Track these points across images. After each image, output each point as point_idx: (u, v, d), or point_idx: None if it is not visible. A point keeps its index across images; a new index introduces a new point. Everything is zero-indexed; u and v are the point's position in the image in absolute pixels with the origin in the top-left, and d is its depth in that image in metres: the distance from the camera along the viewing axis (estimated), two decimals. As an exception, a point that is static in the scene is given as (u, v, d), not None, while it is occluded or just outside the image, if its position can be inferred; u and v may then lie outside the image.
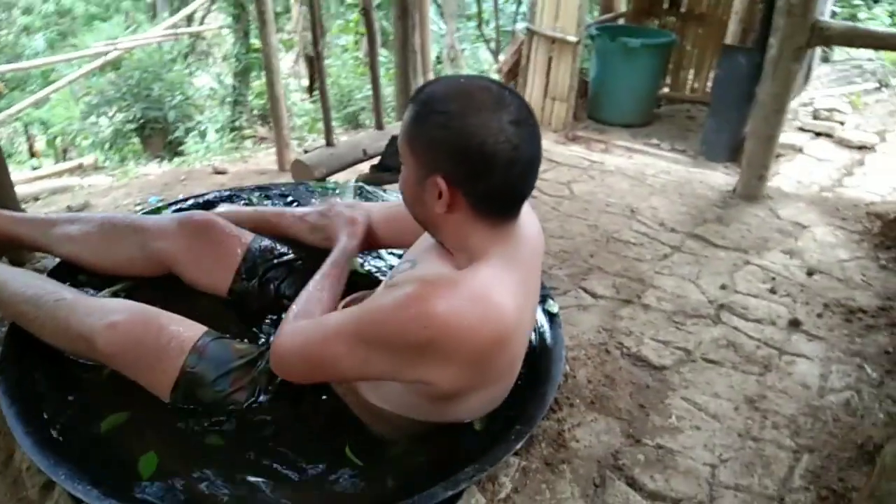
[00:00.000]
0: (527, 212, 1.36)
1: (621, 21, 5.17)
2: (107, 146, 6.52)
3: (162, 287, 1.65)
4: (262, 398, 1.41)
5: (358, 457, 1.34)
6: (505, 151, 1.13)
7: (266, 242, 1.70)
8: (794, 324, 1.94)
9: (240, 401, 1.39)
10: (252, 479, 1.30)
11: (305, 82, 8.04)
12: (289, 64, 8.18)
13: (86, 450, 1.31)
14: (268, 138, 6.14)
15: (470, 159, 1.14)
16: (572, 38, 4.11)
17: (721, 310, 1.99)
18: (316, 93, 6.59)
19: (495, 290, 1.19)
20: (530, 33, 4.40)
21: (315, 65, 7.50)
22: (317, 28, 2.61)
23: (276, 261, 1.68)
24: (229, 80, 6.87)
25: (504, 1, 5.56)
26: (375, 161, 2.80)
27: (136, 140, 6.50)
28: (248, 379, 1.40)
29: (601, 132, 4.48)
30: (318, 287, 1.44)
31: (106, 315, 1.35)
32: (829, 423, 1.61)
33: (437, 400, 1.30)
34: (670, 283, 2.10)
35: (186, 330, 1.39)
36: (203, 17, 8.14)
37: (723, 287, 2.09)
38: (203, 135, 6.31)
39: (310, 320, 1.32)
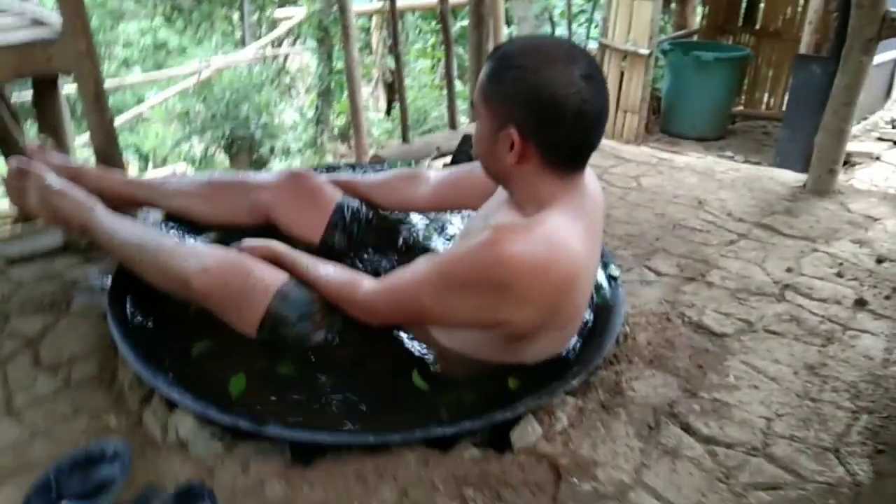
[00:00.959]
0: (589, 172, 1.46)
1: (695, 38, 5.21)
2: (196, 163, 6.93)
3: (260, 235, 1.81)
4: (338, 338, 1.54)
5: (425, 382, 1.45)
6: (575, 103, 1.24)
7: (355, 202, 1.85)
8: (860, 303, 1.94)
9: (318, 340, 1.52)
10: (327, 402, 1.42)
11: (383, 105, 8.34)
12: (368, 90, 8.51)
13: (180, 370, 1.46)
14: (347, 155, 6.41)
15: (541, 110, 1.25)
16: (644, 51, 4.19)
17: (786, 289, 2.01)
18: (393, 111, 6.84)
19: (564, 233, 1.29)
20: (602, 47, 4.50)
21: (393, 87, 7.79)
22: (396, 27, 2.79)
23: (362, 217, 1.83)
24: (311, 113, 7.22)
25: (577, 14, 5.68)
26: (448, 159, 2.94)
27: (223, 157, 6.88)
28: (326, 321, 1.53)
29: (674, 144, 4.51)
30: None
31: (200, 260, 1.51)
32: (891, 390, 1.61)
33: (509, 340, 1.40)
34: (735, 265, 2.14)
35: (271, 274, 1.54)
36: (290, 40, 8.56)
37: (788, 270, 2.11)
38: (287, 153, 6.63)
39: (388, 276, 1.44)
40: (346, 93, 6.98)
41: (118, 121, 6.51)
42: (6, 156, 1.90)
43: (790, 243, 2.29)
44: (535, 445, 1.37)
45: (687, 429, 1.46)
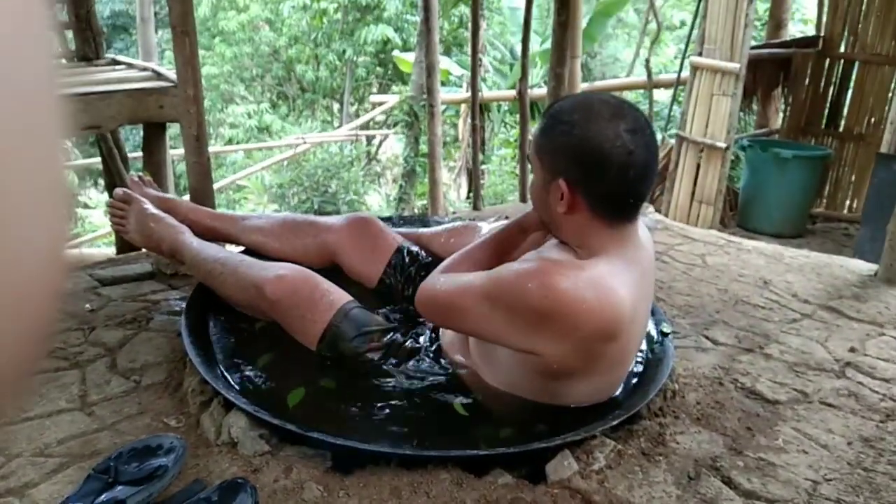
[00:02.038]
0: (642, 227, 1.52)
1: (775, 137, 5.23)
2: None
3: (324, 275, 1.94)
4: (391, 362, 1.61)
5: (465, 411, 1.49)
6: (620, 155, 1.32)
7: (415, 247, 1.96)
8: (928, 386, 1.87)
9: (372, 360, 1.60)
10: (371, 418, 1.49)
11: (464, 193, 8.59)
12: (451, 176, 8.82)
13: (240, 378, 1.56)
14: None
15: (588, 162, 1.33)
16: (721, 144, 4.24)
17: (847, 367, 1.96)
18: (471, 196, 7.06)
19: (612, 280, 1.34)
20: (679, 139, 4.58)
21: (473, 177, 8.04)
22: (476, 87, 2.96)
23: (420, 262, 1.93)
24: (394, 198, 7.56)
25: (658, 110, 5.81)
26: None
27: (309, 229, 7.21)
28: (381, 343, 1.62)
29: (749, 239, 4.47)
30: (478, 247, 1.62)
31: (276, 270, 1.65)
32: (954, 471, 1.54)
33: (547, 378, 1.44)
34: (796, 341, 2.11)
35: (336, 292, 1.65)
36: (382, 125, 9.02)
37: (852, 350, 2.06)
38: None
39: (453, 274, 1.53)
40: (427, 175, 7.30)
41: (216, 186, 6.99)
42: (113, 189, 2.11)
43: (856, 326, 2.24)
44: (569, 480, 1.38)
45: (728, 482, 1.43)
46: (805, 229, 4.72)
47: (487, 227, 1.92)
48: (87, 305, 2.05)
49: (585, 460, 1.43)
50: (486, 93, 6.37)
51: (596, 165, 1.31)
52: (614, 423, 1.43)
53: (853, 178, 4.99)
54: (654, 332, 1.81)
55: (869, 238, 3.84)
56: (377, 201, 8.83)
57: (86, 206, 8.84)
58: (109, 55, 2.96)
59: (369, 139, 8.16)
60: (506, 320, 1.37)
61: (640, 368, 1.70)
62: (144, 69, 2.64)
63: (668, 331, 1.82)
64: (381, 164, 11.00)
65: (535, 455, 1.37)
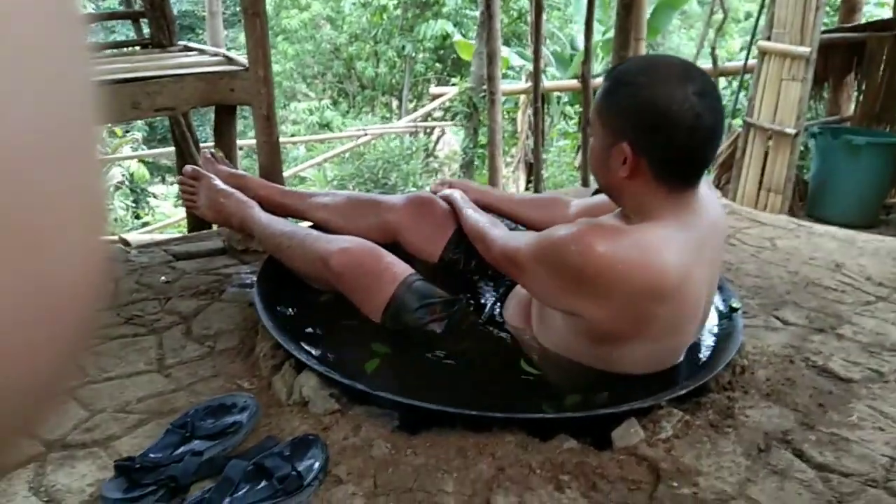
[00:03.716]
0: (710, 193, 1.50)
1: (847, 124, 5.05)
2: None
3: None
4: (454, 331, 1.64)
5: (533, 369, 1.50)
6: (688, 119, 1.30)
7: None
8: None
9: (435, 330, 1.62)
10: (438, 383, 1.51)
11: (523, 185, 8.56)
12: (509, 170, 8.80)
13: (312, 345, 1.60)
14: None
15: (654, 125, 1.32)
16: (790, 131, 4.13)
17: (925, 349, 1.89)
18: (530, 186, 7.03)
19: (659, 245, 1.33)
20: (747, 126, 4.47)
21: (535, 162, 8.00)
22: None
23: None
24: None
25: (730, 96, 5.67)
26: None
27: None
28: (444, 314, 1.64)
29: (819, 227, 4.33)
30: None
31: (340, 243, 1.69)
32: None
33: (598, 342, 1.45)
34: (871, 322, 2.04)
35: (399, 265, 1.68)
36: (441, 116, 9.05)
37: (931, 333, 1.99)
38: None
39: (514, 233, 1.61)
40: (486, 167, 7.30)
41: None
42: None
43: (936, 310, 2.15)
44: (636, 447, 1.37)
45: (800, 455, 1.40)
46: (878, 219, 4.54)
47: (577, 202, 1.92)
48: (163, 278, 2.13)
49: (652, 429, 1.41)
50: (546, 82, 6.33)
51: (662, 128, 1.30)
52: (681, 392, 1.42)
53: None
54: (722, 308, 1.78)
55: (949, 227, 3.68)
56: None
57: (154, 196, 9.14)
58: (182, 42, 3.07)
59: (428, 132, 8.21)
60: (550, 281, 1.40)
61: (708, 342, 1.68)
62: (216, 54, 2.73)
63: (738, 306, 1.79)
64: (437, 160, 11.08)
65: (601, 421, 1.37)
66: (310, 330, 1.70)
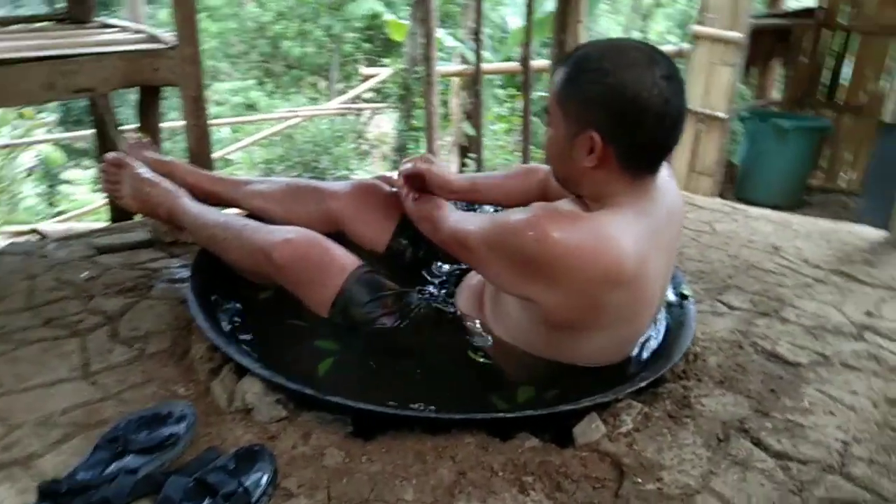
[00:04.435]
0: (668, 178, 1.46)
1: (774, 108, 5.19)
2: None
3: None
4: (404, 325, 1.56)
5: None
6: (658, 105, 1.25)
7: None
8: (948, 349, 1.85)
9: (386, 324, 1.54)
10: (388, 382, 1.44)
11: (456, 166, 8.51)
12: (443, 153, 8.72)
13: (253, 346, 1.51)
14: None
15: (624, 112, 1.26)
16: (722, 115, 4.19)
17: (864, 330, 1.93)
18: (465, 168, 6.97)
19: (616, 231, 1.28)
20: (679, 110, 4.53)
21: (467, 150, 7.95)
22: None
23: None
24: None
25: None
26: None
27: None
28: (395, 307, 1.56)
29: (747, 210, 4.44)
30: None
31: (283, 233, 1.58)
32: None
33: (552, 330, 1.40)
34: (811, 305, 2.07)
35: (347, 257, 1.59)
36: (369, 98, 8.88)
37: (868, 314, 2.03)
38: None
39: (464, 214, 1.57)
40: (420, 149, 7.20)
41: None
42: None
43: (869, 290, 2.20)
44: (598, 443, 1.34)
45: (758, 443, 1.40)
46: (802, 201, 4.70)
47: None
48: (84, 274, 1.97)
49: (613, 423, 1.38)
50: (485, 65, 6.28)
51: (632, 116, 1.24)
52: (642, 384, 1.39)
53: (851, 150, 4.96)
54: (672, 297, 1.76)
55: (871, 208, 3.82)
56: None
57: (69, 182, 8.67)
58: (100, 18, 2.86)
59: (359, 114, 8.04)
60: (504, 266, 1.35)
61: (660, 331, 1.66)
62: (138, 32, 2.54)
63: (688, 293, 1.78)
64: (367, 143, 10.90)
65: (562, 417, 1.33)
66: (250, 329, 1.60)
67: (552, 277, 1.26)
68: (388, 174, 1.96)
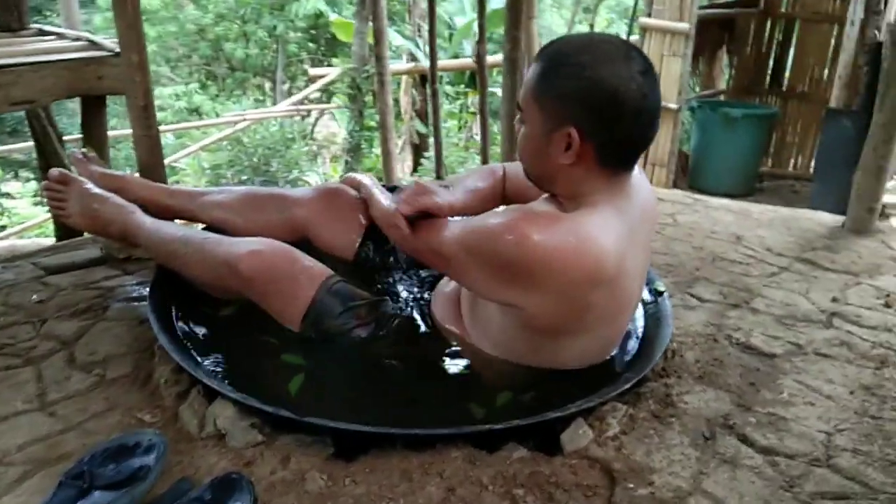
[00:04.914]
0: (640, 176, 1.44)
1: (721, 97, 5.27)
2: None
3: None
4: (380, 336, 1.51)
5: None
6: (636, 99, 1.23)
7: None
8: (913, 331, 1.88)
9: (361, 335, 1.49)
10: (365, 397, 1.39)
11: (409, 167, 8.45)
12: (395, 151, 8.65)
13: (221, 366, 1.44)
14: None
15: (603, 107, 1.23)
16: (673, 105, 4.23)
17: (833, 317, 1.95)
18: (420, 168, 6.93)
19: (596, 231, 1.26)
20: (631, 102, 4.56)
21: (420, 148, 7.91)
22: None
23: None
24: (335, 177, 7.38)
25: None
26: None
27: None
28: (369, 318, 1.51)
29: (702, 199, 4.50)
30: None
31: (249, 245, 1.52)
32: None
33: (536, 335, 1.37)
34: (779, 294, 2.09)
35: (317, 266, 1.53)
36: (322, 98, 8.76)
37: (834, 300, 2.06)
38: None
39: (434, 220, 1.48)
40: (374, 148, 7.12)
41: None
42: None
43: (833, 276, 2.24)
44: (586, 449, 1.31)
45: (744, 440, 1.39)
46: (754, 188, 4.78)
47: (511, 166, 1.80)
48: (35, 297, 1.86)
49: (599, 427, 1.36)
50: (439, 62, 6.23)
51: (611, 111, 1.22)
52: (627, 386, 1.37)
53: (797, 136, 5.07)
54: (646, 294, 1.75)
55: (821, 193, 3.91)
56: (316, 181, 8.60)
57: (9, 195, 8.33)
58: (35, 26, 2.71)
59: (307, 115, 7.92)
60: (483, 271, 1.31)
61: (638, 328, 1.64)
62: (77, 38, 2.42)
63: (663, 289, 1.77)
64: (315, 143, 10.75)
65: (549, 425, 1.30)
66: (215, 348, 1.52)
67: (534, 281, 1.23)
68: (353, 175, 1.89)
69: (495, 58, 4.48)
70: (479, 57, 2.98)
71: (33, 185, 10.00)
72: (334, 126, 10.64)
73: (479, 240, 1.30)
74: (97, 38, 2.37)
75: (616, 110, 1.22)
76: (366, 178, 1.82)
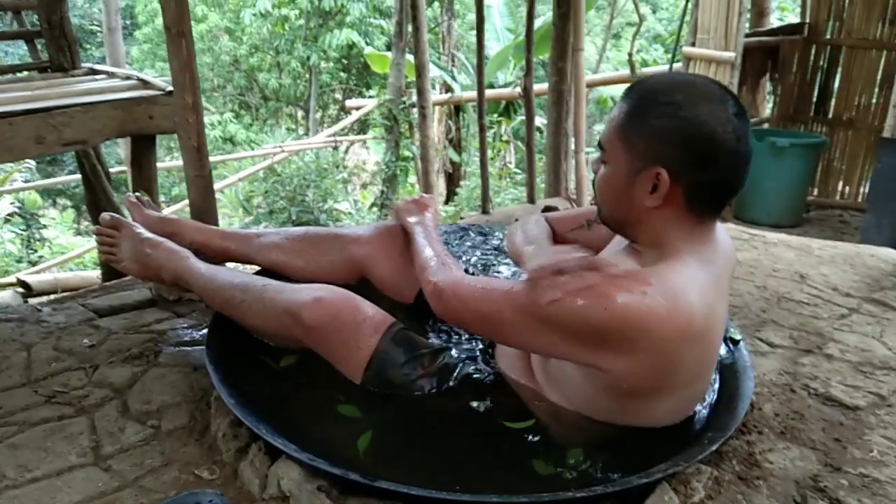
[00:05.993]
0: (719, 224, 1.37)
1: (765, 126, 5.17)
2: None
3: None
4: (445, 388, 1.45)
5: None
6: (731, 142, 1.17)
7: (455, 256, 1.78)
8: None
9: (425, 387, 1.43)
10: (431, 456, 1.33)
11: (443, 193, 8.44)
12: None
13: (283, 420, 1.38)
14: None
15: (698, 149, 1.17)
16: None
17: (914, 364, 1.85)
18: (457, 197, 6.90)
19: (683, 286, 1.19)
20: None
21: (453, 177, 7.89)
22: (482, 99, 2.81)
23: (469, 271, 1.76)
24: (366, 203, 7.38)
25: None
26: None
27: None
28: (433, 368, 1.45)
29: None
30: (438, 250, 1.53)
31: (312, 292, 1.46)
32: None
33: (621, 397, 1.29)
34: (852, 338, 1.99)
35: (379, 314, 1.47)
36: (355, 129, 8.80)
37: (912, 344, 1.95)
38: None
39: (481, 279, 1.40)
40: (409, 178, 7.11)
41: (186, 201, 6.72)
42: (99, 213, 1.89)
43: (907, 319, 2.13)
44: (671, 517, 1.22)
45: (838, 505, 1.29)
46: (802, 218, 4.66)
47: (557, 217, 1.75)
48: (86, 341, 1.83)
49: (684, 492, 1.27)
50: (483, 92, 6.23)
51: (706, 153, 1.16)
52: (714, 447, 1.28)
53: (845, 164, 4.95)
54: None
55: (875, 224, 3.78)
56: (347, 208, 8.60)
57: (45, 227, 8.44)
58: (86, 65, 2.73)
59: (336, 146, 7.95)
60: (557, 336, 1.21)
61: (715, 381, 1.56)
62: (128, 77, 2.42)
63: (739, 337, 1.68)
64: (347, 171, 10.82)
65: (635, 491, 1.21)
66: (276, 401, 1.47)
67: (623, 345, 1.15)
68: (402, 206, 1.83)
69: (539, 86, 4.43)
70: (526, 90, 2.95)
71: (71, 212, 10.17)
72: (364, 154, 10.69)
73: (555, 305, 1.21)
74: (147, 77, 2.37)
75: (711, 152, 1.16)
76: (415, 217, 1.75)
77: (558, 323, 1.18)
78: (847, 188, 4.97)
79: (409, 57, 6.03)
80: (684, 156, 1.17)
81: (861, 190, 4.88)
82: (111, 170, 3.74)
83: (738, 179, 1.21)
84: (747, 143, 1.19)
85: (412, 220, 1.72)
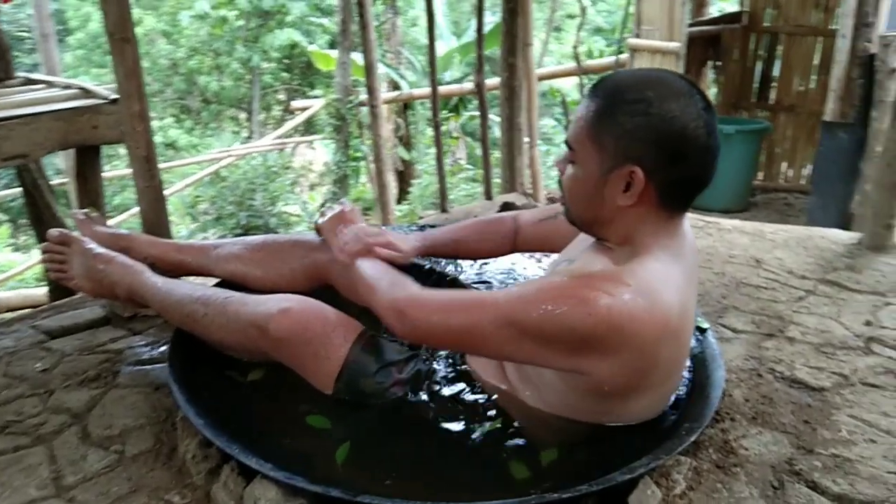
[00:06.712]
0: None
1: (710, 114, 5.27)
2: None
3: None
4: (418, 395, 1.43)
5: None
6: (702, 137, 1.17)
7: (422, 261, 1.76)
8: (956, 354, 1.83)
9: (398, 395, 1.41)
10: (420, 463, 1.30)
11: (395, 193, 8.38)
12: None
13: (254, 437, 1.33)
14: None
15: (671, 145, 1.16)
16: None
17: (871, 342, 1.89)
18: (410, 195, 6.86)
19: (659, 284, 1.19)
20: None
21: (404, 175, 7.85)
22: (436, 98, 2.78)
23: (436, 273, 1.73)
24: (314, 204, 7.29)
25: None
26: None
27: (238, 247, 6.81)
28: (405, 375, 1.42)
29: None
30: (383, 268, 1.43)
31: (278, 303, 1.41)
32: None
33: (601, 398, 1.28)
34: (811, 320, 2.03)
35: (348, 322, 1.44)
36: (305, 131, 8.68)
37: (867, 323, 2.00)
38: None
39: (441, 291, 1.32)
40: (360, 178, 7.04)
41: (132, 210, 6.53)
42: (44, 230, 1.80)
43: (861, 298, 2.18)
44: (655, 510, 1.23)
45: (814, 487, 1.32)
46: (749, 203, 4.77)
47: (528, 217, 1.72)
48: (38, 365, 1.75)
49: (666, 484, 1.28)
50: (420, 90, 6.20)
51: (678, 149, 1.15)
52: (692, 438, 1.28)
53: (787, 148, 5.08)
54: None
55: (820, 206, 3.89)
56: (296, 210, 8.48)
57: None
58: (21, 74, 2.61)
59: (283, 148, 7.82)
60: (539, 344, 1.17)
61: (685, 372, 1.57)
62: (68, 86, 2.32)
63: (706, 326, 1.70)
64: (295, 172, 10.67)
65: (617, 487, 1.21)
66: (246, 417, 1.42)
67: (608, 348, 1.14)
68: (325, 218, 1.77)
69: (489, 81, 4.43)
70: (479, 86, 2.93)
71: (7, 227, 9.78)
72: (310, 154, 10.56)
73: (528, 310, 1.18)
74: (89, 86, 2.27)
75: (684, 148, 1.15)
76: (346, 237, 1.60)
77: (541, 332, 1.15)
78: (790, 171, 5.11)
79: (355, 55, 5.98)
80: (658, 153, 1.16)
81: (803, 173, 5.01)
82: (51, 182, 3.60)
83: (708, 174, 1.21)
84: (716, 137, 1.19)
85: (343, 240, 1.58)
